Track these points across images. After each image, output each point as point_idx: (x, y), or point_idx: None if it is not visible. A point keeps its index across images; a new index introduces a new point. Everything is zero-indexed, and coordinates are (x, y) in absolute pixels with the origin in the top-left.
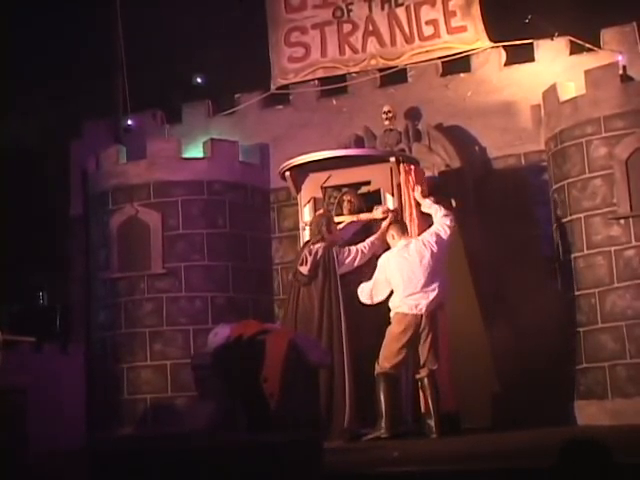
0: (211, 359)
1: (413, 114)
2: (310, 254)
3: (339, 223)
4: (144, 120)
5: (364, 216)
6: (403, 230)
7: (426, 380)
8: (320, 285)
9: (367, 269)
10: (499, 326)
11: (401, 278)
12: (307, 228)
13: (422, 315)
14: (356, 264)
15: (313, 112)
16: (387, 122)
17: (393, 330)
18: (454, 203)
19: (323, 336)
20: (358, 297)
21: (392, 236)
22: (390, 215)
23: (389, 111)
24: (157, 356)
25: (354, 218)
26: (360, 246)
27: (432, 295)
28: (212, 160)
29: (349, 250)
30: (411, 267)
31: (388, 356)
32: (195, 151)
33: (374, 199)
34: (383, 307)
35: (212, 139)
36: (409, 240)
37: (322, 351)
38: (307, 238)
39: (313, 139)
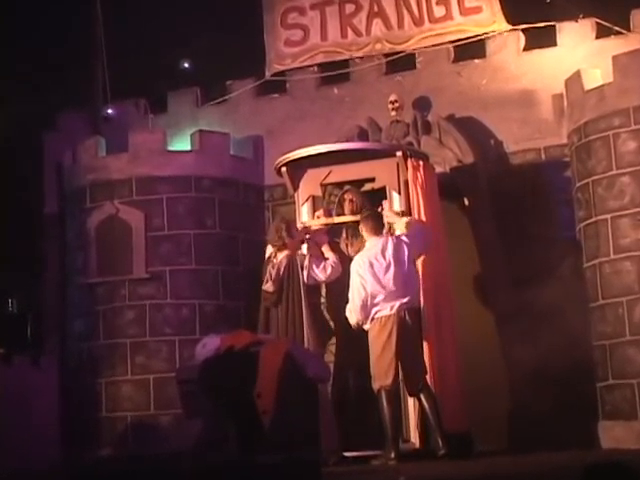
0: (199, 373)
1: (422, 104)
2: (274, 268)
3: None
4: (125, 109)
5: None
6: (375, 226)
7: (422, 394)
8: (286, 302)
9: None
10: (515, 338)
11: (377, 280)
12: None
13: (406, 314)
14: (325, 278)
15: (312, 101)
16: (393, 113)
17: (378, 339)
18: (467, 202)
19: None
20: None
21: (363, 231)
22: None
23: (395, 101)
24: (139, 369)
25: (356, 217)
26: (329, 262)
27: (409, 296)
28: (200, 154)
29: (323, 264)
30: (387, 267)
31: (382, 370)
32: (182, 144)
33: (379, 198)
34: None
35: (200, 130)
36: (382, 238)
37: (321, 364)
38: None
39: (312, 131)
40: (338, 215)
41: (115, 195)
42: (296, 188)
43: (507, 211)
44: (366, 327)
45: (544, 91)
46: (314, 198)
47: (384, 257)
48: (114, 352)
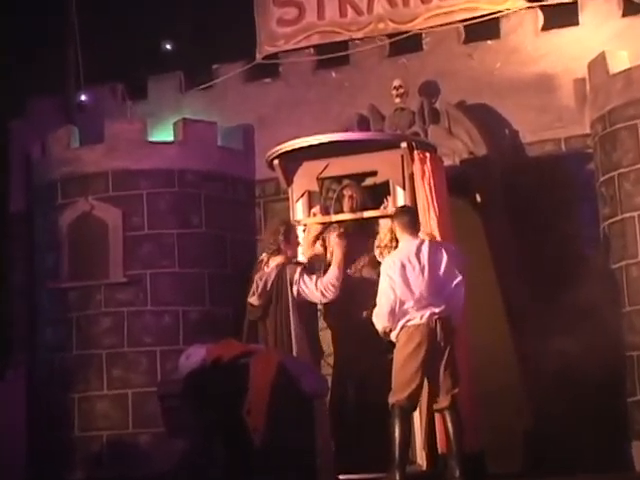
0: (182, 387)
1: (429, 90)
2: (261, 280)
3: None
4: (101, 95)
5: (369, 213)
6: (411, 223)
7: (448, 411)
8: (273, 317)
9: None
10: (533, 347)
11: (407, 284)
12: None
13: (437, 324)
14: (316, 299)
15: (308, 87)
16: (398, 99)
17: (404, 350)
18: (479, 198)
19: None
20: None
21: (396, 229)
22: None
23: (400, 86)
24: (116, 383)
25: (356, 215)
26: (324, 283)
27: (446, 303)
28: (184, 145)
29: (312, 279)
30: (420, 270)
31: (401, 384)
32: (164, 133)
33: (381, 193)
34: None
35: (184, 119)
36: (417, 239)
37: (317, 377)
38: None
39: (308, 120)
40: (336, 213)
41: (89, 190)
42: (290, 183)
43: (523, 208)
44: (393, 335)
45: (565, 75)
46: (310, 194)
47: (418, 260)
48: (88, 364)
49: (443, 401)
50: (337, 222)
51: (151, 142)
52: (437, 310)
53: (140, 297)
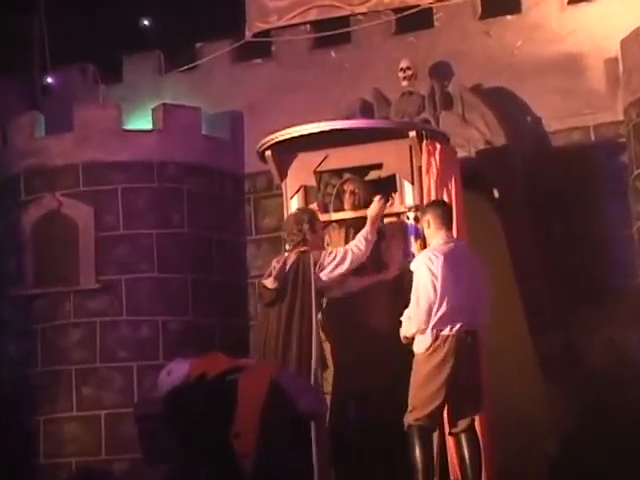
0: (162, 407)
1: (441, 72)
2: (278, 262)
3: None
4: (70, 78)
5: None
6: (446, 218)
7: (465, 436)
8: (288, 303)
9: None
10: (558, 363)
11: (445, 286)
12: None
13: (468, 338)
14: (345, 270)
15: (304, 69)
16: (405, 83)
17: (426, 363)
18: (497, 194)
19: None
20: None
21: (428, 223)
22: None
23: (408, 67)
24: (87, 404)
25: (359, 214)
26: (350, 245)
27: (476, 316)
28: (165, 133)
29: (333, 252)
30: (462, 275)
31: (422, 401)
32: (141, 121)
33: (387, 189)
34: (394, 336)
35: (165, 105)
36: (452, 240)
37: (315, 396)
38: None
39: (303, 106)
40: (336, 211)
41: (57, 185)
42: (284, 177)
43: (546, 206)
44: (420, 343)
45: (594, 55)
46: (306, 189)
47: (457, 263)
48: (56, 382)
49: (462, 423)
50: (337, 221)
51: (127, 131)
52: (469, 322)
53: (114, 306)
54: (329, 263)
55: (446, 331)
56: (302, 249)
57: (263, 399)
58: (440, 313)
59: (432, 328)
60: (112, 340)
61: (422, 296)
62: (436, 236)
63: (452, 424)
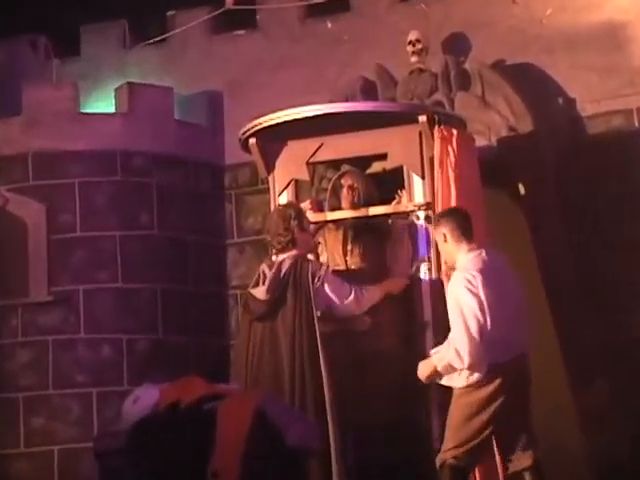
0: (127, 441)
1: (456, 45)
2: (270, 268)
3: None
4: (17, 52)
5: (375, 210)
6: (465, 229)
7: (529, 473)
8: (290, 318)
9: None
10: (597, 390)
11: (492, 309)
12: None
13: (521, 364)
14: (349, 312)
15: (294, 42)
16: (414, 58)
17: (473, 397)
18: (522, 190)
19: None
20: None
21: (444, 237)
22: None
23: (417, 40)
24: (37, 438)
25: (359, 213)
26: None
27: (527, 338)
28: (130, 118)
29: (348, 288)
30: (501, 287)
31: (466, 436)
32: (102, 103)
33: (393, 183)
34: (401, 358)
35: (130, 84)
36: (477, 249)
37: (306, 427)
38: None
39: (294, 85)
40: (332, 209)
41: (2, 179)
42: (271, 169)
43: (581, 203)
44: (460, 380)
45: (639, 24)
46: (297, 184)
47: (494, 274)
48: (0, 411)
49: (522, 460)
50: (333, 221)
51: (85, 114)
52: (521, 343)
53: (70, 321)
54: (342, 296)
55: (500, 359)
56: (295, 252)
57: (246, 431)
58: (493, 338)
59: (485, 358)
60: (67, 362)
61: (472, 324)
62: (458, 250)
63: (505, 462)
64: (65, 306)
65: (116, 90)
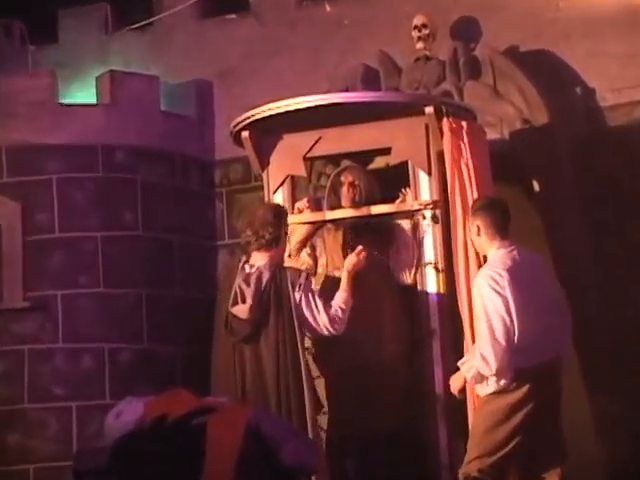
0: (110, 459)
1: (466, 30)
2: (248, 283)
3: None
4: None
5: (378, 209)
6: (501, 224)
7: None
8: (273, 339)
9: None
10: (615, 400)
11: (519, 311)
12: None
13: (550, 370)
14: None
15: (290, 26)
16: (420, 44)
17: (499, 404)
18: (537, 186)
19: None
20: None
21: (477, 229)
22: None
23: (424, 25)
24: (12, 455)
25: (361, 212)
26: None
27: (558, 343)
28: (113, 109)
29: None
30: (532, 289)
31: (488, 449)
32: (83, 93)
33: (397, 180)
34: (406, 364)
35: (112, 72)
36: (510, 247)
37: (303, 443)
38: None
39: (290, 74)
40: (332, 208)
41: None
42: (265, 165)
43: (602, 200)
44: (487, 388)
45: None
46: (294, 181)
47: (525, 275)
48: None
49: (550, 477)
50: (332, 221)
51: (64, 105)
52: (554, 348)
53: (47, 329)
54: (315, 305)
55: (528, 364)
56: (272, 254)
57: (238, 448)
58: (520, 343)
59: (511, 362)
60: (44, 374)
61: (497, 326)
62: (490, 246)
63: (529, 474)
64: (42, 313)
65: (97, 79)
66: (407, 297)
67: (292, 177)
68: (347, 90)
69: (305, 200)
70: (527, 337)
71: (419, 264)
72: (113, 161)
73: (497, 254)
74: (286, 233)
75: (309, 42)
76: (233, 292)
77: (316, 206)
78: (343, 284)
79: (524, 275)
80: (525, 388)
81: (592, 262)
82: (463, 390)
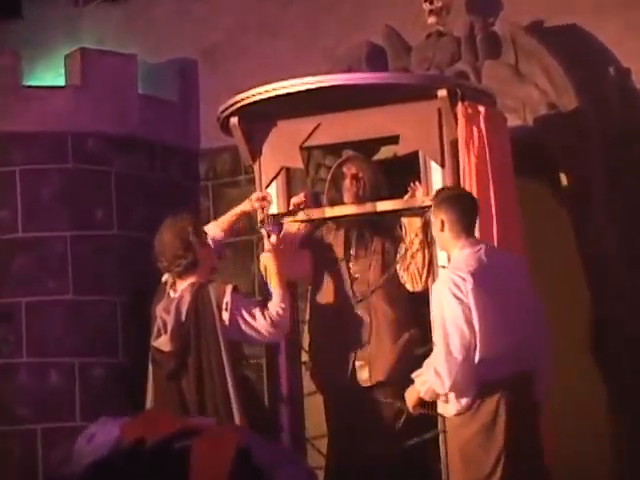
0: None
1: (484, 3)
2: (168, 311)
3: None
4: None
5: (385, 205)
6: (467, 221)
7: None
8: (195, 366)
9: None
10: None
11: (482, 320)
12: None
13: (524, 385)
14: (266, 337)
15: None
16: (432, 19)
17: (468, 427)
18: (565, 180)
19: None
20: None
21: (441, 224)
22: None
23: None
24: None
25: (365, 208)
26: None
27: (531, 353)
28: (84, 92)
29: (258, 310)
30: (500, 294)
31: (480, 476)
32: (50, 74)
33: (406, 172)
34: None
35: (83, 50)
36: (480, 245)
37: (298, 470)
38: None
39: (285, 53)
40: (332, 204)
41: None
42: (257, 155)
43: (636, 195)
44: (450, 408)
45: None
46: (289, 173)
47: (493, 279)
48: None
49: None
50: (333, 219)
51: (29, 87)
52: (524, 363)
53: (10, 342)
54: (251, 317)
55: (494, 377)
56: (196, 276)
57: (226, 474)
58: (482, 356)
59: (473, 378)
60: (6, 392)
61: (454, 339)
62: (454, 245)
63: None
64: (4, 323)
65: (66, 58)
66: (416, 306)
67: (287, 169)
68: (349, 71)
69: (302, 195)
70: (492, 349)
71: (431, 268)
72: (84, 151)
73: (461, 254)
74: (204, 243)
75: (306, 17)
76: (156, 323)
77: (314, 202)
78: (273, 282)
79: (492, 279)
80: (492, 401)
81: (625, 266)
82: (419, 406)
